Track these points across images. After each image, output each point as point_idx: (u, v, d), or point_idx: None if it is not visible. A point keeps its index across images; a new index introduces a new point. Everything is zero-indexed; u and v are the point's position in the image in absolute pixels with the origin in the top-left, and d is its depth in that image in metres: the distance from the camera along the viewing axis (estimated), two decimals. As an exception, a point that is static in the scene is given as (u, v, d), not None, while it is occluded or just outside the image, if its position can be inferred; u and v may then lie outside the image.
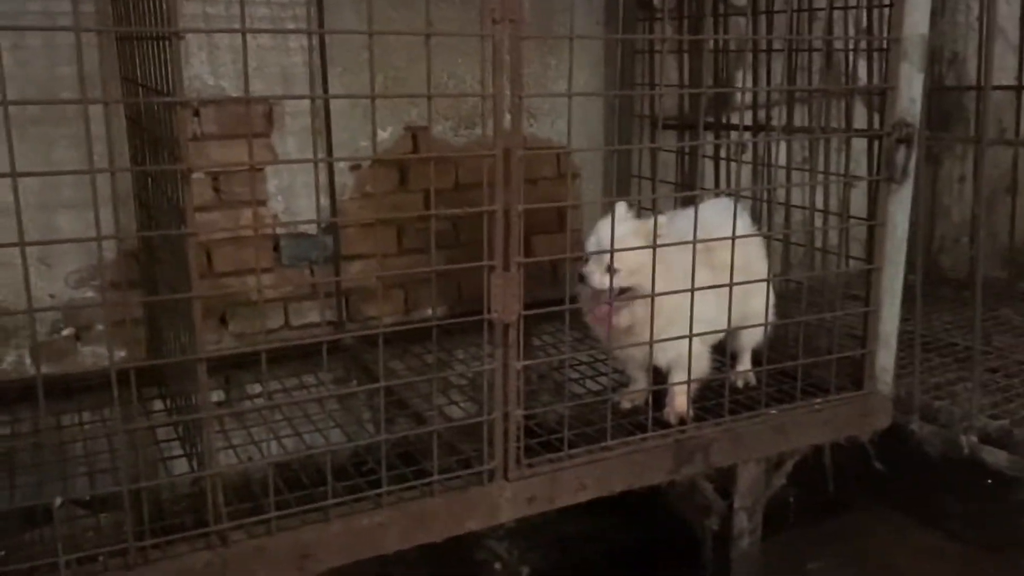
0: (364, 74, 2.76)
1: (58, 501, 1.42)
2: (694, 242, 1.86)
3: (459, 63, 2.94)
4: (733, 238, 1.92)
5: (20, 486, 1.72)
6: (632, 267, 1.89)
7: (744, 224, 2.16)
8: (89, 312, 2.48)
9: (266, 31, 2.64)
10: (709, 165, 3.00)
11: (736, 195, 2.17)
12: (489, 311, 1.71)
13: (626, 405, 2.13)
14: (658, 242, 1.87)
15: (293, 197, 2.76)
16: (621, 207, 1.98)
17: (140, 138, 2.28)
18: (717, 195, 2.41)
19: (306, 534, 1.64)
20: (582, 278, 1.91)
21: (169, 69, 1.50)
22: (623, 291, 1.92)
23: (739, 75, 3.08)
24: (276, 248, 2.75)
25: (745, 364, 2.28)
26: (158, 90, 1.88)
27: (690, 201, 2.25)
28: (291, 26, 2.66)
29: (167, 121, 1.61)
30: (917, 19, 1.99)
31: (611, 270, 1.88)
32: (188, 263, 1.50)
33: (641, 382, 2.16)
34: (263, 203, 2.69)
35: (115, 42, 2.38)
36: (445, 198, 2.97)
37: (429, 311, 3.05)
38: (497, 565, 2.35)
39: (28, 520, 1.60)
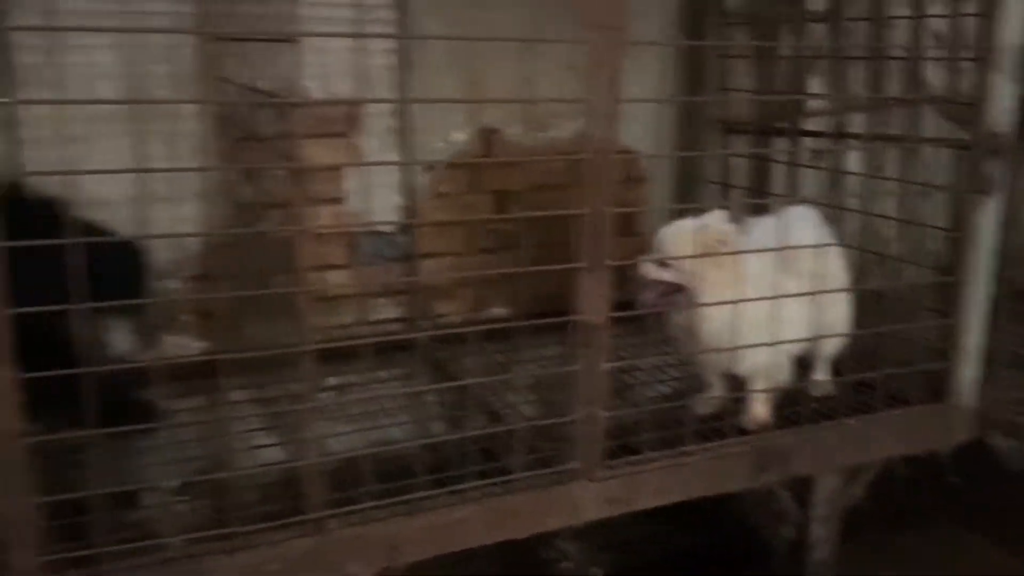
0: (443, 76, 2.82)
1: (173, 483, 1.47)
2: (766, 250, 1.89)
3: (535, 67, 2.96)
4: (813, 247, 1.94)
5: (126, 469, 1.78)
6: (686, 265, 1.92)
7: (824, 233, 2.16)
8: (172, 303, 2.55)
9: (385, 36, 2.68)
10: (782, 172, 2.99)
11: (814, 204, 2.18)
12: (577, 312, 1.73)
13: (702, 411, 2.14)
14: (729, 249, 1.90)
15: (370, 195, 2.81)
16: (716, 212, 2.01)
17: (229, 136, 2.36)
18: (794, 203, 2.41)
19: (395, 526, 1.68)
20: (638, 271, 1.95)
21: (275, 71, 1.55)
22: (673, 287, 1.94)
23: (814, 81, 3.08)
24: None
25: (823, 374, 2.27)
26: (259, 90, 1.96)
27: (767, 208, 2.26)
28: (374, 29, 2.72)
29: (269, 121, 1.67)
30: (1012, 29, 1.98)
31: (662, 264, 1.92)
32: (292, 258, 1.55)
33: (717, 388, 2.17)
34: (340, 201, 2.75)
35: (209, 43, 2.46)
36: (517, 199, 3.01)
37: (496, 310, 3.10)
38: (567, 565, 2.38)
39: (131, 502, 1.67)
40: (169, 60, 2.54)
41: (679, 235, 1.97)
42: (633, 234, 3.19)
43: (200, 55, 2.56)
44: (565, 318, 1.76)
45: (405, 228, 2.88)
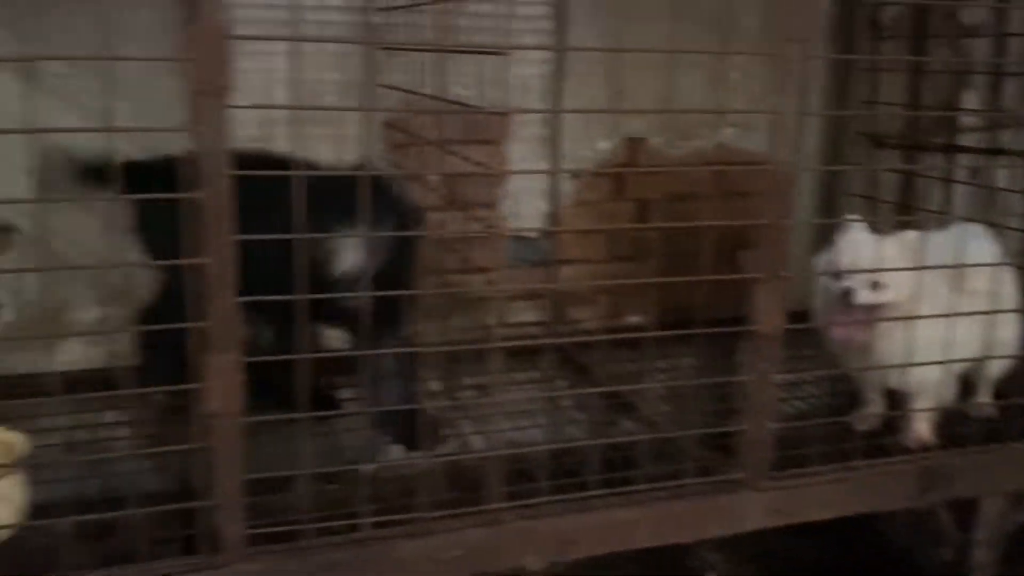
0: (595, 85, 2.87)
1: (371, 467, 1.54)
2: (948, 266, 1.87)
3: (682, 79, 2.99)
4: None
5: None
6: (898, 284, 1.89)
7: (995, 252, 2.13)
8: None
9: (537, 47, 2.74)
10: (931, 187, 2.95)
11: (970, 221, 2.14)
12: (752, 322, 1.75)
13: (861, 427, 2.12)
14: (914, 262, 1.88)
15: (517, 201, 2.88)
16: (858, 225, 2.01)
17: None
18: (949, 221, 2.37)
19: (568, 522, 1.73)
20: (846, 294, 1.92)
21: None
22: (878, 308, 1.93)
23: (967, 96, 3.03)
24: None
25: (986, 395, 2.23)
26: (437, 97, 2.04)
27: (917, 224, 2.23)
28: (529, 40, 2.78)
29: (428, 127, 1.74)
30: None
31: (875, 286, 1.89)
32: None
33: (877, 404, 2.15)
34: (493, 206, 2.82)
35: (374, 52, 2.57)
36: (658, 208, 3.04)
37: (634, 319, 3.13)
38: (711, 574, 2.39)
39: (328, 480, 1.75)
40: (338, 68, 2.66)
41: (888, 249, 1.92)
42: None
43: (366, 63, 2.67)
44: (714, 329, 1.77)
45: (548, 233, 2.93)
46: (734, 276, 1.76)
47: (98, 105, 2.35)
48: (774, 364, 1.77)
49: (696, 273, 1.73)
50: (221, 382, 1.44)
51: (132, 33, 2.40)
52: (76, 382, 2.38)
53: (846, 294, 1.92)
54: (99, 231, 2.47)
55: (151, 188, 1.48)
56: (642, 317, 3.11)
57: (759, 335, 1.75)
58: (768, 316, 1.75)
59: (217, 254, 1.41)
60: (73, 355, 2.55)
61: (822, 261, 2.05)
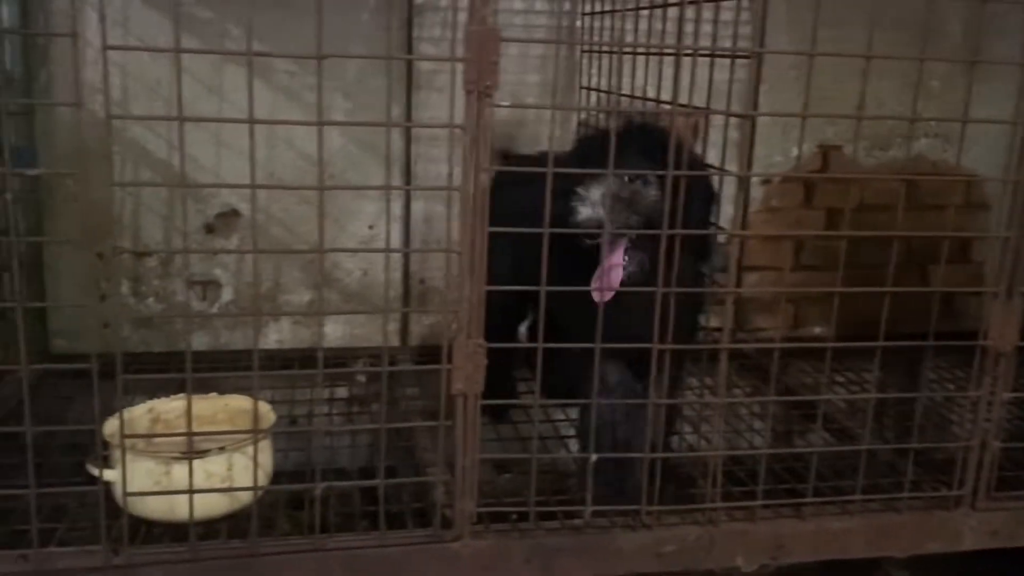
0: (788, 92, 2.84)
1: (593, 458, 1.59)
2: None
3: (882, 86, 2.93)
4: None
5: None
6: None
7: None
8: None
9: (733, 55, 2.75)
10: None
11: None
12: (985, 337, 1.71)
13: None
14: None
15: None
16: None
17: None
18: None
19: (783, 527, 1.73)
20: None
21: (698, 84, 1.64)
22: None
23: None
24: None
25: None
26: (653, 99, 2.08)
27: None
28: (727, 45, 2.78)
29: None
30: None
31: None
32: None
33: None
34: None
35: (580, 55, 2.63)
36: (849, 217, 2.98)
37: (817, 329, 3.09)
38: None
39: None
40: (539, 70, 2.74)
41: None
42: (967, 261, 3.08)
43: (566, 65, 2.74)
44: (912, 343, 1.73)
45: (733, 239, 2.92)
46: (966, 289, 1.72)
47: (324, 103, 2.53)
48: (1006, 381, 1.72)
49: (881, 286, 1.70)
50: (468, 364, 1.52)
51: (353, 34, 2.57)
52: (286, 360, 2.56)
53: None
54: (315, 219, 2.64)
55: None
56: (825, 328, 3.07)
57: (991, 351, 1.71)
58: (1002, 332, 1.70)
59: (471, 244, 1.48)
60: (283, 335, 2.72)
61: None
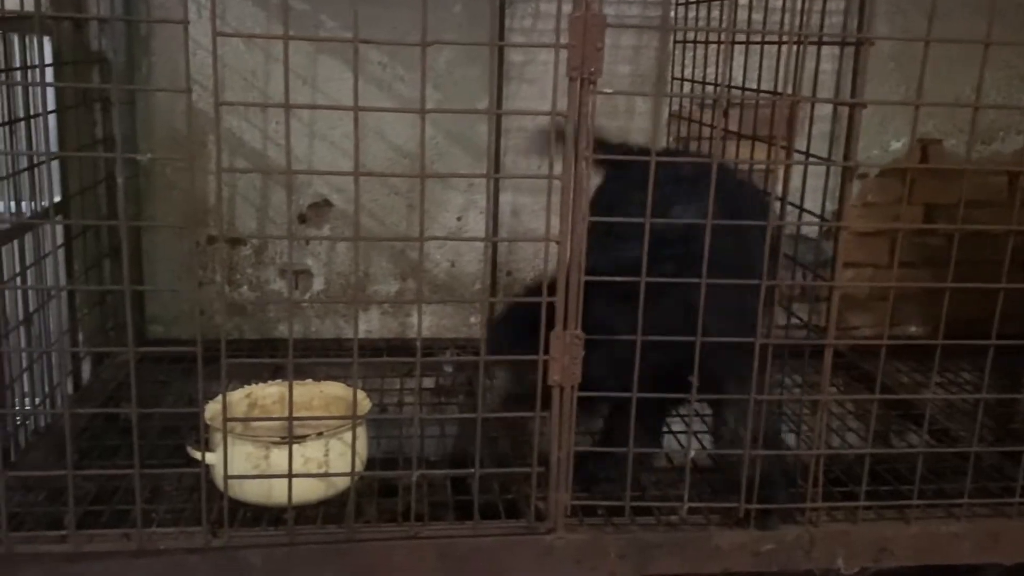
0: (886, 83, 2.76)
1: (692, 453, 1.56)
2: None
3: (985, 77, 2.82)
4: None
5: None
6: None
7: None
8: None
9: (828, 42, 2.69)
10: None
11: None
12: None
13: None
14: None
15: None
16: None
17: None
18: None
19: (886, 529, 1.68)
20: None
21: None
22: None
23: None
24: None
25: None
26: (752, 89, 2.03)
27: None
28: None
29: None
30: None
31: None
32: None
33: None
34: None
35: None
36: (947, 213, 2.89)
37: (912, 328, 2.99)
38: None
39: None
40: (630, 61, 2.71)
41: None
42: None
43: (658, 56, 2.70)
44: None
45: (829, 234, 2.85)
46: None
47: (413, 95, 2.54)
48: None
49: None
50: (565, 356, 1.50)
51: (446, 25, 2.57)
52: (374, 349, 2.58)
53: None
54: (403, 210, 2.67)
55: None
56: (920, 327, 2.98)
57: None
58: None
59: (571, 233, 1.47)
60: (371, 324, 2.75)
61: None
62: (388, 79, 2.56)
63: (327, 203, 2.64)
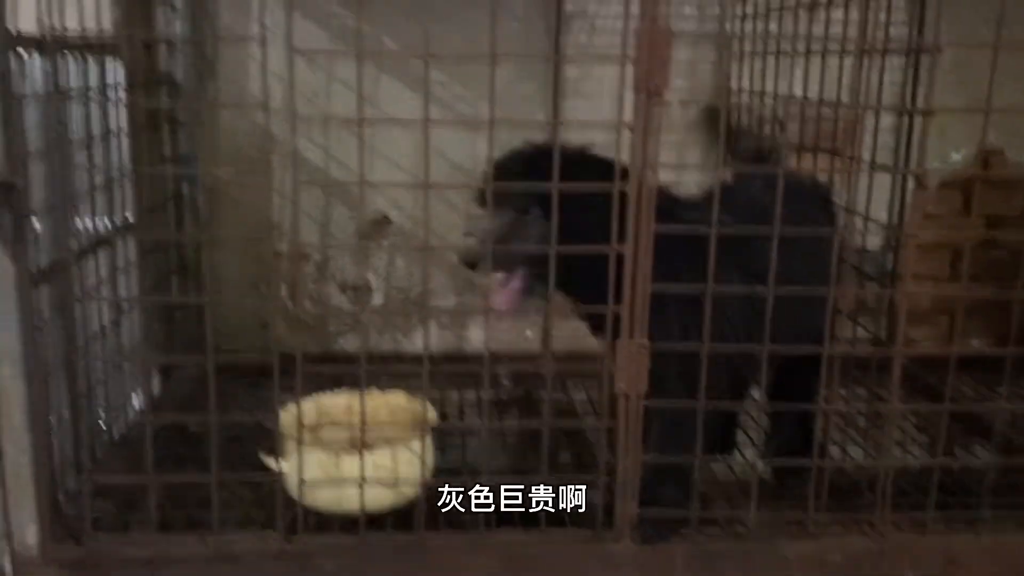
0: (946, 95, 2.72)
1: (761, 465, 1.56)
2: None
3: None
4: None
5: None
6: None
7: None
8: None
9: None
10: None
11: None
12: None
13: None
14: None
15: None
16: None
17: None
18: None
19: (955, 541, 1.66)
20: None
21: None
22: None
23: None
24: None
25: None
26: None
27: None
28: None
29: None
30: None
31: None
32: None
33: None
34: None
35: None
36: (1010, 224, 2.85)
37: (975, 341, 2.95)
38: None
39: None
40: (684, 75, 2.72)
41: None
42: None
43: (717, 69, 2.71)
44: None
45: (890, 246, 2.83)
46: None
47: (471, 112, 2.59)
48: None
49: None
50: (631, 365, 1.51)
51: (504, 42, 2.61)
52: (433, 362, 2.61)
53: None
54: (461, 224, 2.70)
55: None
56: (982, 339, 2.94)
57: None
58: None
59: (637, 244, 1.48)
60: (429, 337, 2.78)
61: None
62: (447, 98, 2.61)
63: (386, 218, 2.68)
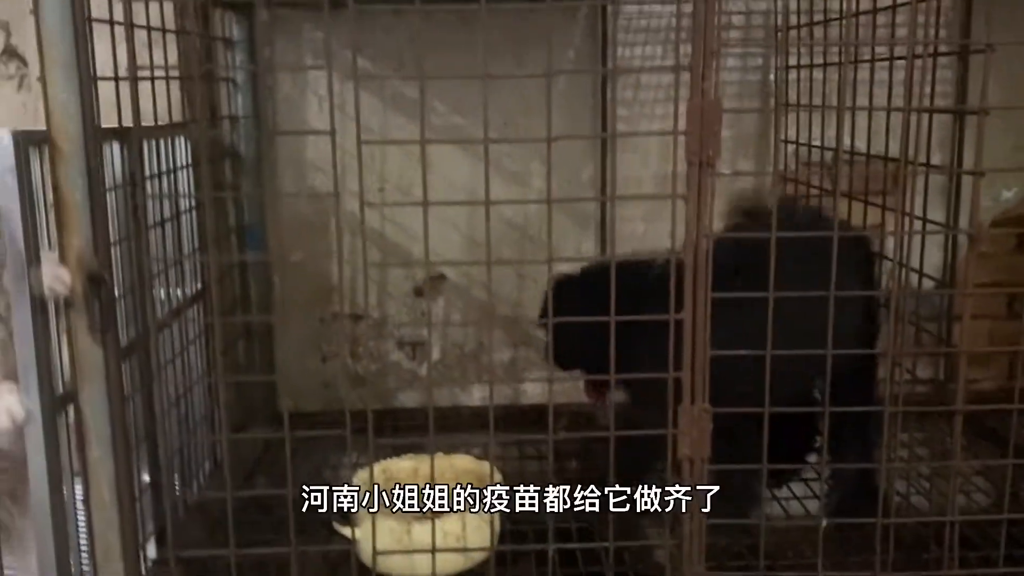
0: (992, 142, 2.72)
1: (824, 522, 1.58)
2: None
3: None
4: None
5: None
6: None
7: None
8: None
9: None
10: None
11: None
12: None
13: None
14: None
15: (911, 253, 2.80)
16: None
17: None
18: None
19: (1027, 596, 1.65)
20: None
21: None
22: None
23: None
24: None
25: None
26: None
27: None
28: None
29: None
30: None
31: None
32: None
33: None
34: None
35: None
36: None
37: (1034, 381, 2.91)
38: None
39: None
40: (730, 125, 2.76)
41: None
42: None
43: (760, 119, 2.75)
44: None
45: (943, 287, 2.82)
46: None
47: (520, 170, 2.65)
48: None
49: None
50: (693, 430, 1.54)
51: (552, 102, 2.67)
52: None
53: None
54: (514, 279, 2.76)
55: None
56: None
57: None
58: None
59: (695, 310, 1.52)
60: (485, 392, 2.83)
61: None
62: (496, 156, 2.67)
63: (442, 276, 2.75)
